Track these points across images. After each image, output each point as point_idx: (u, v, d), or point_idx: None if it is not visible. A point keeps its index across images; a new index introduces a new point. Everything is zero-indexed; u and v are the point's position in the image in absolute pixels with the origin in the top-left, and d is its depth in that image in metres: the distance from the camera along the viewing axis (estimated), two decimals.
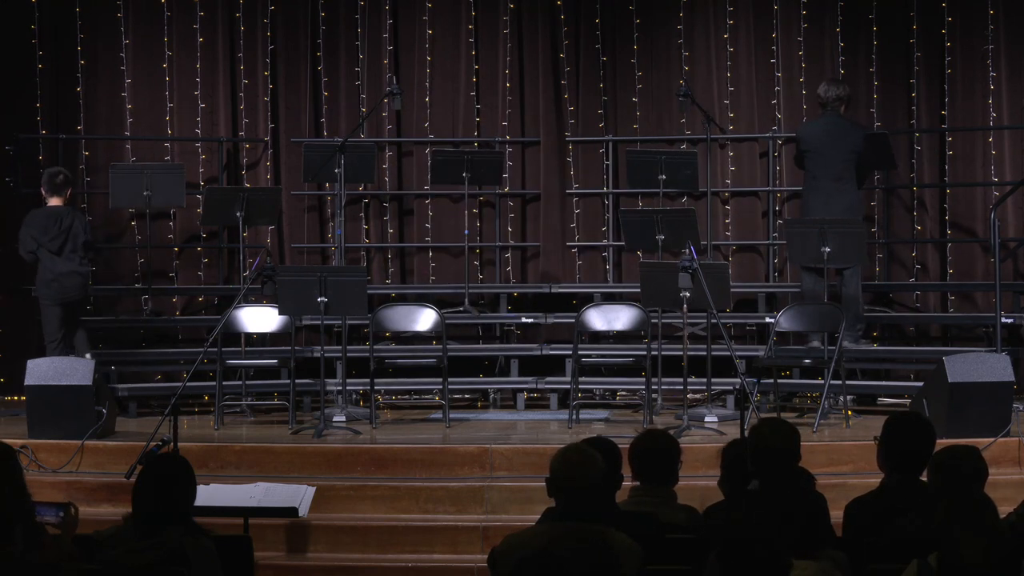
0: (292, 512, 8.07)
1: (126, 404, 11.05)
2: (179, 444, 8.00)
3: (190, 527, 5.19)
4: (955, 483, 5.35)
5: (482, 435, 9.94)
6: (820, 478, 6.43)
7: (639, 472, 6.11)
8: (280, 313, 10.52)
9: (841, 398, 10.47)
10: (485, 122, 12.82)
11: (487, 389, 11.91)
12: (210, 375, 10.90)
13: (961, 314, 12.18)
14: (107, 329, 12.22)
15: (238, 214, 11.38)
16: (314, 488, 8.26)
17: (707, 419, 10.20)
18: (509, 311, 12.31)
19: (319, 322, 10.81)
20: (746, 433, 6.68)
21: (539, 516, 5.45)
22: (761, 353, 10.81)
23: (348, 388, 10.85)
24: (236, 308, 10.61)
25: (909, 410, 9.33)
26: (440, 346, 10.76)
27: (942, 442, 5.97)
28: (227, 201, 11.50)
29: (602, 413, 10.99)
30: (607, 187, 12.60)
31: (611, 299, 11.66)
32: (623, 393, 11.91)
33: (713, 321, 10.14)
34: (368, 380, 10.75)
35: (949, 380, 9.28)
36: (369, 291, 11.05)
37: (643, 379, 10.57)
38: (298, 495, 8.12)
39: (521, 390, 11.57)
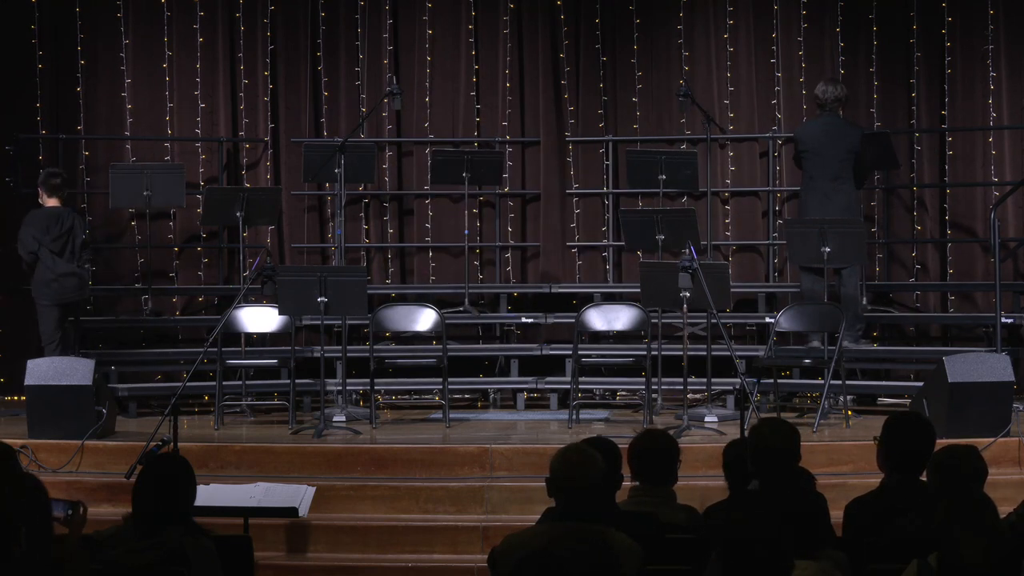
0: (292, 512, 8.07)
1: (126, 404, 11.05)
2: (179, 444, 8.01)
3: (190, 527, 5.19)
4: (955, 483, 5.35)
5: (482, 435, 9.94)
6: (820, 478, 6.43)
7: (639, 472, 6.10)
8: (280, 313, 10.52)
9: (841, 398, 10.47)
10: (485, 122, 12.83)
11: (487, 389, 11.91)
12: (210, 375, 10.90)
13: (961, 314, 12.18)
14: (107, 329, 12.23)
15: (238, 214, 11.38)
16: (314, 488, 8.26)
17: (707, 419, 10.20)
18: (509, 311, 12.31)
19: (319, 322, 10.81)
20: (746, 433, 6.68)
21: (539, 516, 5.45)
22: (761, 353, 10.81)
23: (348, 388, 10.85)
24: (236, 308, 10.61)
25: (909, 410, 9.33)
26: (440, 346, 10.76)
27: (942, 442, 5.97)
28: (227, 201, 11.51)
29: (602, 413, 10.99)
30: (607, 187, 12.60)
31: (611, 299, 11.66)
32: (623, 393, 11.91)
33: (713, 321, 10.14)
34: (368, 380, 10.75)
35: (949, 380, 9.28)
36: (369, 291, 11.05)
37: (643, 379, 10.57)
38: (298, 495, 8.11)
39: (521, 390, 11.57)
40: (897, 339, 12.45)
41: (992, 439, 9.02)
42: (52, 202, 11.05)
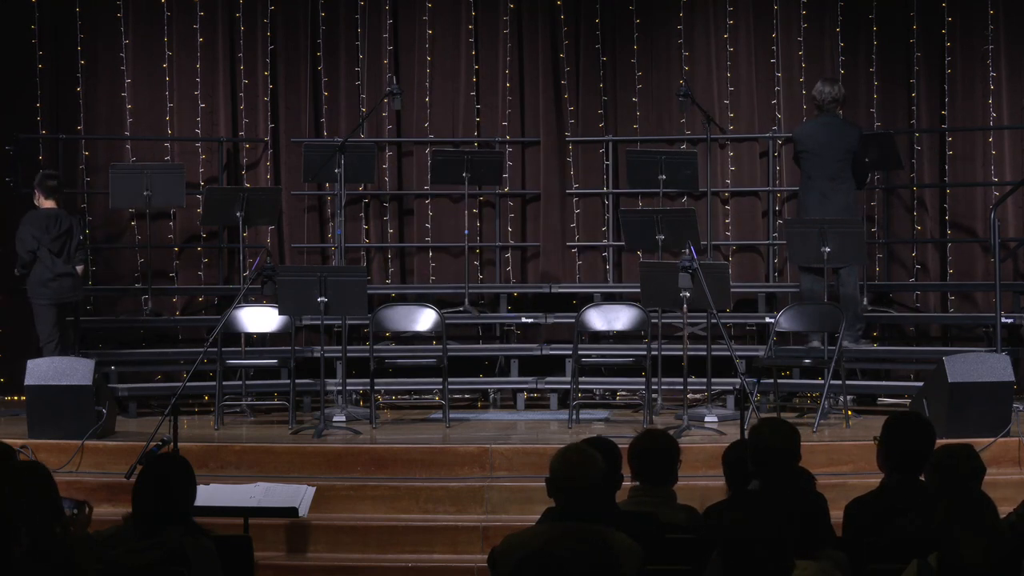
0: (292, 512, 8.07)
1: (126, 404, 11.05)
2: (179, 444, 8.01)
3: (190, 527, 5.19)
4: (954, 482, 5.35)
5: (482, 435, 9.94)
6: (820, 478, 6.43)
7: (639, 472, 6.10)
8: (280, 313, 10.52)
9: (841, 398, 10.47)
10: (485, 122, 12.83)
11: (487, 389, 11.91)
12: (210, 375, 10.90)
13: (961, 314, 12.18)
14: (107, 329, 12.23)
15: (238, 214, 11.38)
16: (314, 488, 8.26)
17: (707, 419, 10.20)
18: (509, 311, 12.31)
19: (319, 322, 10.81)
20: (746, 433, 6.68)
21: (539, 516, 5.45)
22: (761, 353, 10.80)
23: (348, 388, 10.85)
24: (236, 308, 10.61)
25: (909, 410, 9.33)
26: (440, 346, 10.76)
27: (942, 442, 5.97)
28: (227, 201, 11.51)
29: (602, 413, 10.99)
30: (607, 187, 12.60)
31: (611, 299, 11.66)
32: (623, 393, 11.91)
33: (713, 321, 10.14)
34: (368, 380, 10.75)
35: (949, 380, 9.28)
36: (369, 291, 11.05)
37: (643, 379, 10.57)
38: (298, 495, 8.11)
39: (521, 390, 11.57)
40: (897, 339, 12.45)
41: (992, 439, 9.02)
42: (48, 204, 11.07)
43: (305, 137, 12.57)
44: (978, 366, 9.41)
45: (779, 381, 10.70)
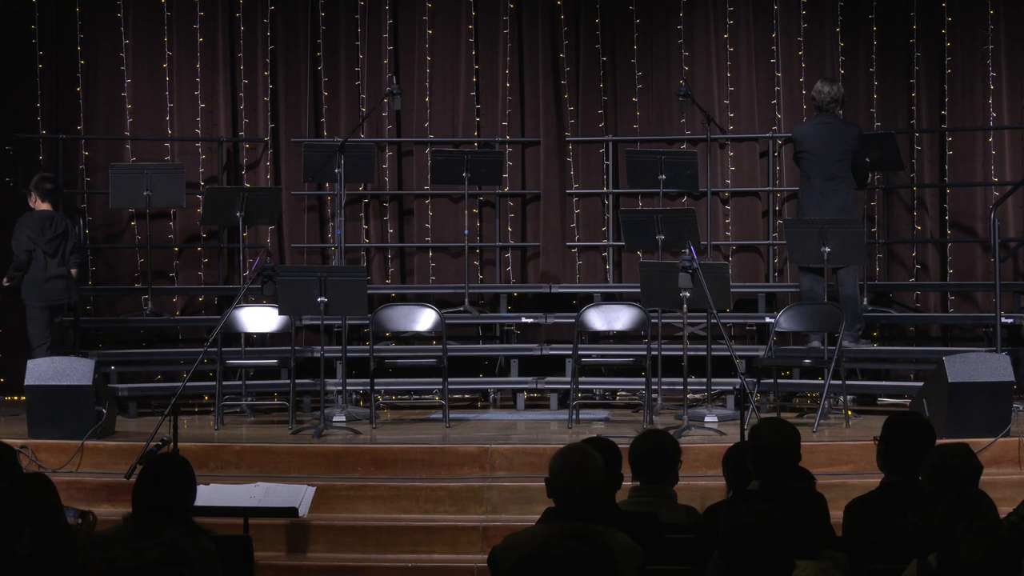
0: (292, 512, 8.07)
1: (126, 404, 11.05)
2: (179, 444, 8.01)
3: (190, 527, 5.19)
4: (954, 483, 5.35)
5: (482, 435, 9.94)
6: (820, 478, 6.43)
7: (639, 472, 6.10)
8: (280, 313, 10.52)
9: (841, 398, 10.47)
10: (485, 122, 12.83)
11: (487, 389, 11.92)
12: (210, 375, 10.90)
13: (961, 314, 12.18)
14: (107, 329, 12.23)
15: (238, 214, 11.38)
16: (314, 488, 8.26)
17: (707, 419, 10.20)
18: (509, 311, 12.31)
19: (319, 322, 10.81)
20: (746, 433, 6.68)
21: (539, 516, 5.45)
22: (761, 353, 10.80)
23: (348, 388, 10.85)
24: (236, 308, 10.61)
25: (909, 410, 9.32)
26: (440, 346, 10.76)
27: (942, 442, 5.96)
28: (227, 201, 11.51)
29: (602, 413, 10.99)
30: (607, 187, 12.60)
31: (611, 299, 11.67)
32: (623, 393, 11.92)
33: (713, 321, 10.14)
34: (368, 380, 10.75)
35: (949, 380, 9.28)
36: (369, 291, 11.06)
37: (643, 379, 10.57)
38: (298, 495, 8.11)
39: (521, 390, 11.57)
40: (897, 339, 12.45)
41: (992, 439, 9.02)
42: (44, 206, 11.11)
43: (305, 137, 12.57)
44: (978, 366, 9.41)
45: (779, 381, 10.70)
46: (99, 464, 9.23)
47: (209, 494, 7.72)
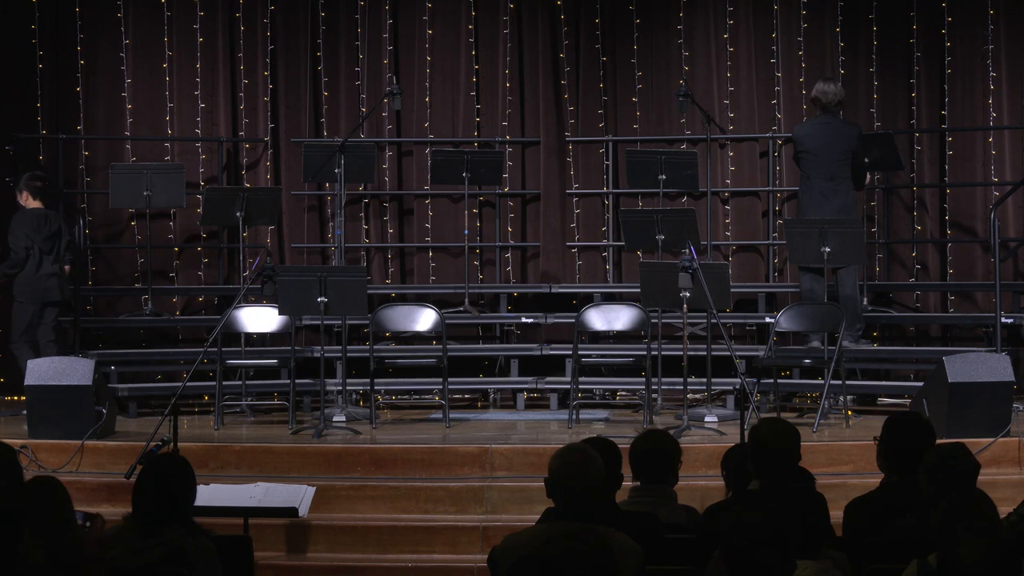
0: (292, 512, 8.07)
1: (126, 404, 11.05)
2: (179, 444, 8.00)
3: (190, 527, 5.19)
4: (953, 482, 5.35)
5: (482, 435, 9.94)
6: (820, 478, 6.43)
7: (639, 472, 6.10)
8: (280, 313, 10.51)
9: (841, 398, 10.47)
10: (485, 122, 12.83)
11: (487, 389, 11.92)
12: (210, 375, 10.90)
13: (961, 314, 12.18)
14: (107, 329, 12.23)
15: (238, 214, 11.38)
16: (314, 488, 8.25)
17: (707, 419, 10.20)
18: (509, 311, 12.31)
19: (319, 322, 10.82)
20: (746, 434, 6.68)
21: (539, 516, 5.44)
22: (761, 353, 10.80)
23: (348, 388, 10.85)
24: (236, 308, 10.61)
25: (909, 410, 9.32)
26: (440, 346, 10.76)
27: (942, 442, 5.96)
28: (227, 201, 11.51)
29: (602, 413, 10.99)
30: (607, 187, 12.60)
31: (611, 299, 11.67)
32: (623, 393, 11.91)
33: (713, 321, 10.14)
34: (368, 380, 10.75)
35: (949, 380, 9.28)
36: (369, 291, 11.06)
37: (643, 379, 10.57)
38: (298, 495, 8.11)
39: (521, 390, 11.57)
40: (897, 339, 12.45)
41: (992, 439, 9.02)
42: (35, 204, 11.14)
43: (305, 137, 12.57)
44: (978, 366, 9.41)
45: (779, 381, 10.70)
46: (99, 464, 9.22)
47: (209, 494, 7.72)
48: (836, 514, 5.85)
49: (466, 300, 12.12)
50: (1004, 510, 5.39)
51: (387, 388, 11.73)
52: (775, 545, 4.30)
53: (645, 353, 10.51)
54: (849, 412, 10.43)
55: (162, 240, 12.59)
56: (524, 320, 12.09)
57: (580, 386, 10.66)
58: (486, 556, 5.37)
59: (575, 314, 10.94)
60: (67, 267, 11.21)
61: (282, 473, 8.92)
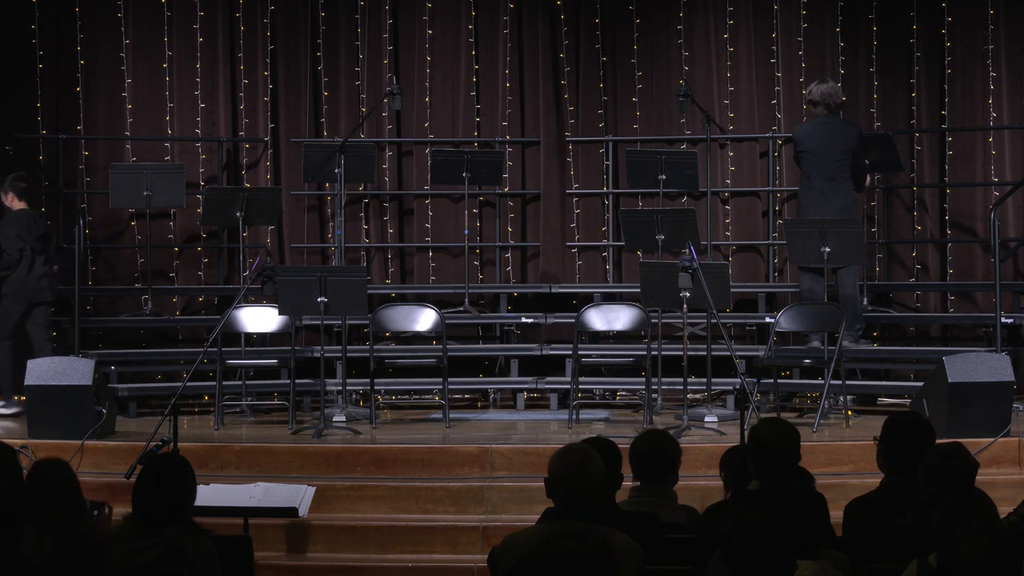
0: (292, 512, 8.07)
1: (126, 404, 11.05)
2: (179, 444, 8.00)
3: (190, 527, 5.19)
4: (953, 482, 5.35)
5: (482, 435, 9.94)
6: (820, 478, 6.43)
7: (639, 472, 6.11)
8: (280, 313, 10.51)
9: (841, 398, 10.47)
10: (485, 122, 12.83)
11: (487, 389, 11.92)
12: (210, 375, 10.90)
13: (961, 314, 12.18)
14: (107, 329, 12.23)
15: (238, 214, 11.38)
16: (314, 488, 8.26)
17: (707, 419, 10.20)
18: (509, 311, 12.31)
19: (319, 322, 10.82)
20: (746, 434, 6.68)
21: (539, 516, 5.45)
22: (761, 353, 10.80)
23: (348, 388, 10.85)
24: (236, 308, 10.61)
25: (909, 410, 9.33)
26: (440, 346, 10.76)
27: (941, 442, 5.96)
28: (227, 201, 11.51)
29: (602, 413, 10.99)
30: (607, 187, 12.60)
31: (611, 299, 11.67)
32: (623, 393, 11.91)
33: (713, 321, 10.14)
34: (368, 380, 10.75)
35: (949, 380, 9.28)
36: (369, 291, 11.06)
37: (643, 379, 10.57)
38: (298, 495, 8.11)
39: (521, 390, 11.57)
40: (897, 339, 12.45)
41: (992, 439, 9.02)
42: (20, 205, 11.17)
43: (305, 137, 12.56)
44: (978, 366, 9.41)
45: (779, 381, 10.70)
46: (99, 464, 9.22)
47: (209, 494, 7.73)
48: (836, 514, 5.85)
49: (466, 300, 12.12)
50: (1004, 510, 5.39)
51: (387, 388, 11.73)
52: (775, 545, 4.30)
53: (645, 353, 10.51)
54: (849, 412, 10.43)
55: (162, 240, 12.58)
56: (524, 320, 12.09)
57: (580, 386, 10.66)
58: (486, 556, 5.38)
59: (575, 314, 10.94)
60: (56, 267, 11.23)
61: (282, 473, 8.92)
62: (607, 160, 12.61)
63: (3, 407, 11.00)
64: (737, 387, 10.08)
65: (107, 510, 5.37)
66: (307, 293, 9.99)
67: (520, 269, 12.81)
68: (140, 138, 12.71)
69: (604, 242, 12.62)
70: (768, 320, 11.20)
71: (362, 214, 12.78)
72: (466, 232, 12.28)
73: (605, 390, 11.82)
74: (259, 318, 10.93)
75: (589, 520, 4.93)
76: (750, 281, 12.42)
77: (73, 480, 5.18)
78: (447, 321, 10.98)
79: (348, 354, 10.86)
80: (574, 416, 10.40)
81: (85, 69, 12.70)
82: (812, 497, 5.82)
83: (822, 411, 9.96)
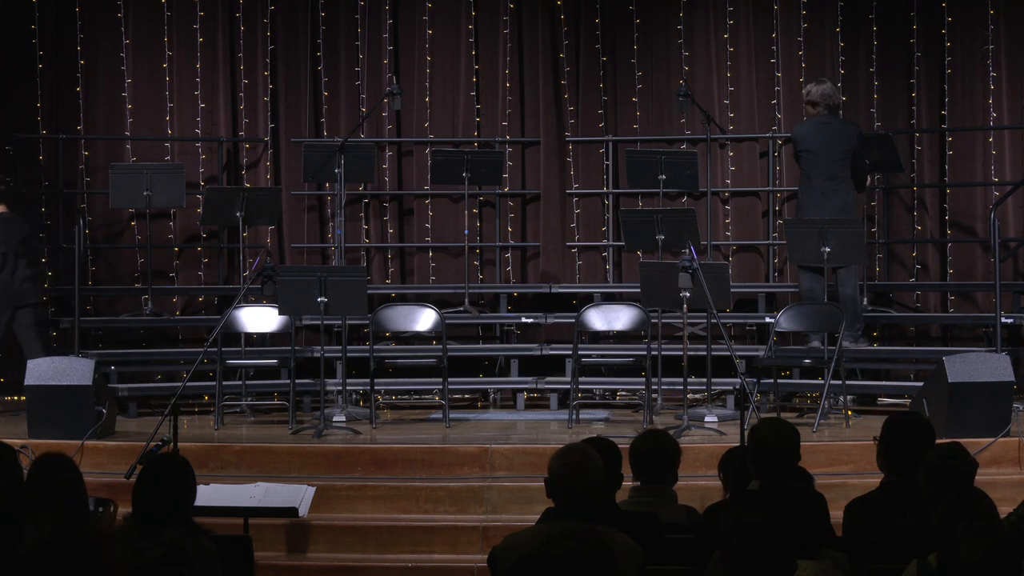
0: (292, 512, 8.07)
1: (126, 404, 11.05)
2: (179, 444, 8.00)
3: (190, 527, 5.19)
4: (953, 482, 5.35)
5: (482, 435, 9.94)
6: (820, 478, 6.44)
7: (639, 472, 6.11)
8: (280, 313, 10.51)
9: (841, 398, 10.47)
10: (485, 122, 12.83)
11: (487, 389, 11.92)
12: (210, 375, 10.90)
13: (961, 314, 12.18)
14: (107, 329, 12.23)
15: (238, 214, 11.38)
16: (314, 488, 8.26)
17: (707, 419, 10.20)
18: (509, 311, 12.31)
19: (319, 322, 10.82)
20: (746, 434, 6.68)
21: (539, 516, 5.45)
22: (761, 353, 10.80)
23: (348, 388, 10.85)
24: (236, 308, 10.61)
25: (909, 410, 9.33)
26: (440, 346, 10.76)
27: (941, 442, 5.96)
28: (227, 201, 11.51)
29: (602, 413, 10.99)
30: (607, 187, 12.60)
31: (611, 299, 11.67)
32: (623, 393, 11.91)
33: (713, 321, 10.14)
34: (368, 380, 10.75)
35: (949, 380, 9.28)
36: (369, 291, 11.06)
37: (643, 379, 10.57)
38: (298, 495, 8.11)
39: (521, 390, 11.57)
40: (897, 339, 12.45)
41: (992, 439, 9.02)
42: (2, 208, 11.16)
43: (305, 137, 12.57)
44: (978, 366, 9.41)
45: (779, 381, 10.70)
46: (99, 464, 9.21)
47: (209, 494, 7.72)
48: (836, 514, 5.85)
49: (466, 300, 12.12)
50: (1004, 510, 5.39)
51: (387, 388, 11.73)
52: (775, 545, 4.30)
53: (645, 353, 10.51)
54: (849, 412, 10.43)
55: (162, 240, 12.58)
56: (524, 320, 12.09)
57: (580, 386, 10.66)
58: (486, 556, 5.38)
59: (575, 314, 10.94)
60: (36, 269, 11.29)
61: (282, 473, 8.92)
62: (607, 160, 12.61)
63: None
64: (737, 387, 10.08)
65: (112, 508, 5.37)
66: (307, 293, 9.99)
67: (520, 269, 12.81)
68: (140, 138, 12.71)
69: (604, 242, 12.62)
70: (768, 320, 11.20)
71: (362, 214, 12.78)
72: (466, 232, 12.28)
73: (605, 390, 11.82)
74: (259, 318, 10.93)
75: (589, 520, 4.93)
76: (750, 281, 12.42)
77: (77, 477, 5.17)
78: (447, 321, 10.98)
79: (348, 354, 10.86)
80: (574, 416, 10.40)
81: (85, 69, 12.70)
82: (812, 497, 5.82)
83: (822, 411, 9.96)
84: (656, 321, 10.76)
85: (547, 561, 3.76)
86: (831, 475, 8.47)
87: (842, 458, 9.03)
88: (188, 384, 9.61)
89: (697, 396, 10.90)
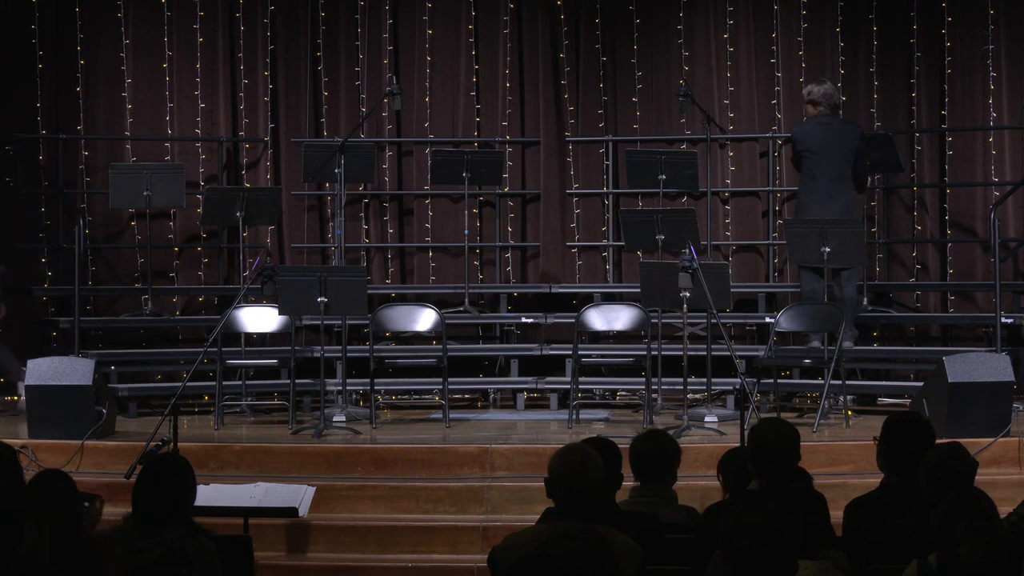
0: (292, 512, 8.07)
1: (126, 404, 11.04)
2: (179, 444, 8.00)
3: (190, 527, 5.19)
4: (953, 482, 5.35)
5: (482, 435, 9.94)
6: (820, 478, 6.44)
7: (639, 472, 6.11)
8: (280, 313, 10.51)
9: (841, 398, 10.47)
10: (485, 122, 12.83)
11: (487, 389, 11.92)
12: (210, 375, 10.90)
13: (961, 314, 12.18)
14: (107, 329, 12.23)
15: (238, 214, 11.38)
16: (314, 488, 8.26)
17: (707, 419, 10.20)
18: (509, 311, 12.31)
19: (319, 322, 10.82)
20: (746, 434, 6.68)
21: (539, 516, 5.45)
22: (761, 353, 10.80)
23: (348, 388, 10.85)
24: (236, 308, 10.61)
25: (909, 410, 9.33)
26: (440, 346, 10.76)
27: (941, 442, 5.96)
28: (227, 201, 11.51)
29: (602, 413, 10.99)
30: (607, 187, 12.60)
31: (611, 299, 11.66)
32: (623, 393, 11.91)
33: (713, 321, 10.14)
34: (368, 380, 10.75)
35: (949, 380, 9.28)
36: (369, 291, 11.06)
37: (643, 379, 10.57)
38: (298, 495, 8.12)
39: (521, 390, 11.57)
40: (897, 339, 12.45)
41: (992, 439, 9.02)
42: None
43: (305, 137, 12.56)
44: (978, 366, 9.41)
45: (779, 381, 10.70)
46: (99, 464, 9.22)
47: (209, 494, 7.72)
48: (836, 514, 5.85)
49: (466, 300, 12.12)
50: (1004, 510, 5.39)
51: (387, 388, 11.73)
52: (775, 545, 4.30)
53: (645, 353, 10.51)
54: (849, 412, 10.43)
55: (162, 240, 12.58)
56: (524, 320, 12.09)
57: (580, 386, 10.66)
58: (486, 556, 5.38)
59: (575, 314, 10.94)
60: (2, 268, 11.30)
61: (282, 473, 8.92)
62: (607, 160, 12.61)
63: None
64: (737, 387, 10.08)
65: (98, 503, 5.37)
66: (307, 293, 9.99)
67: (520, 269, 12.81)
68: (140, 138, 12.71)
69: (604, 242, 12.62)
70: (768, 320, 11.20)
71: (362, 214, 12.78)
72: (466, 232, 12.28)
73: (605, 390, 11.82)
74: (259, 318, 10.93)
75: (589, 520, 4.93)
76: (750, 281, 12.42)
77: (71, 486, 5.16)
78: (447, 321, 10.98)
79: (348, 354, 10.86)
80: (574, 416, 10.40)
81: (85, 69, 12.70)
82: (812, 497, 5.81)
83: (822, 411, 9.96)
84: (656, 321, 10.76)
85: (547, 561, 3.76)
86: (831, 475, 8.47)
87: (842, 458, 9.02)
88: (188, 384, 9.61)
89: (697, 396, 10.90)
